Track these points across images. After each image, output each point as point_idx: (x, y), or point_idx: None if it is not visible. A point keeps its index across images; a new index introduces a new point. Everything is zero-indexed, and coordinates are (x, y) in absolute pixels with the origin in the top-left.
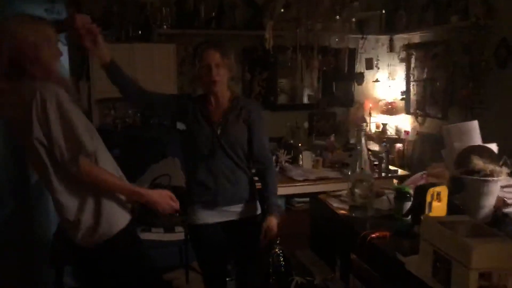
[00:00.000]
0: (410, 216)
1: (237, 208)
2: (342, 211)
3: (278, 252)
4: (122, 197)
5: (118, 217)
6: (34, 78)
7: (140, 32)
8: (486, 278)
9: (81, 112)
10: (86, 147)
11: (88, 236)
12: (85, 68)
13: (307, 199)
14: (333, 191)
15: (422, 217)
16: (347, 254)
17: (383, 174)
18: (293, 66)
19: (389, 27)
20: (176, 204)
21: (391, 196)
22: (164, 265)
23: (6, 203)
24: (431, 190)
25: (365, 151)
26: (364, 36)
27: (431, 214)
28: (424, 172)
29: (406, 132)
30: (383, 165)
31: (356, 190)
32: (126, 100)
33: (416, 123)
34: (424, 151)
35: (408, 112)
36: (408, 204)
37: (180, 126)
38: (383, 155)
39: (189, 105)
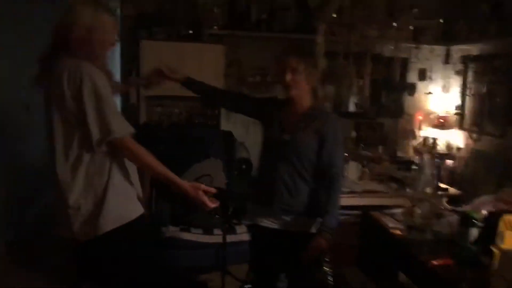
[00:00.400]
0: (477, 245)
1: (295, 219)
2: (397, 231)
3: (327, 271)
4: (135, 189)
5: (125, 209)
6: (78, 58)
7: (190, 31)
8: None
9: (114, 100)
10: (114, 132)
11: (87, 226)
12: (136, 65)
13: (352, 211)
14: (380, 206)
15: (493, 248)
16: (396, 276)
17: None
18: (342, 72)
19: (446, 37)
20: (207, 200)
21: (452, 219)
22: (201, 266)
23: (44, 194)
24: (505, 218)
25: (428, 169)
26: (419, 45)
27: (504, 245)
28: (492, 196)
29: (458, 149)
30: (434, 182)
31: (417, 210)
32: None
33: (470, 140)
34: (478, 170)
35: (461, 128)
36: (473, 231)
37: (225, 127)
38: (434, 171)
39: (270, 109)
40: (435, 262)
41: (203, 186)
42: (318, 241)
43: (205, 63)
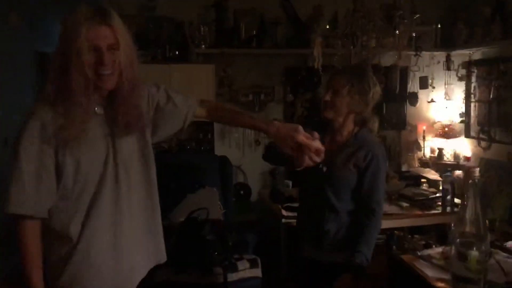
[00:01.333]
0: None
1: (335, 251)
2: (440, 284)
3: None
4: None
5: None
6: (53, 100)
7: (177, 52)
8: None
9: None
10: (9, 204)
11: None
12: None
13: None
14: (393, 228)
15: None
16: None
17: (447, 209)
18: None
19: (446, 43)
20: None
21: (504, 259)
22: None
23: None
24: None
25: (478, 208)
26: (418, 52)
27: None
28: None
29: (467, 158)
30: (447, 198)
31: (472, 253)
32: None
33: (478, 148)
34: (490, 180)
35: (468, 136)
36: None
37: (220, 150)
38: (448, 187)
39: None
40: None
41: None
42: (342, 276)
43: (195, 83)
